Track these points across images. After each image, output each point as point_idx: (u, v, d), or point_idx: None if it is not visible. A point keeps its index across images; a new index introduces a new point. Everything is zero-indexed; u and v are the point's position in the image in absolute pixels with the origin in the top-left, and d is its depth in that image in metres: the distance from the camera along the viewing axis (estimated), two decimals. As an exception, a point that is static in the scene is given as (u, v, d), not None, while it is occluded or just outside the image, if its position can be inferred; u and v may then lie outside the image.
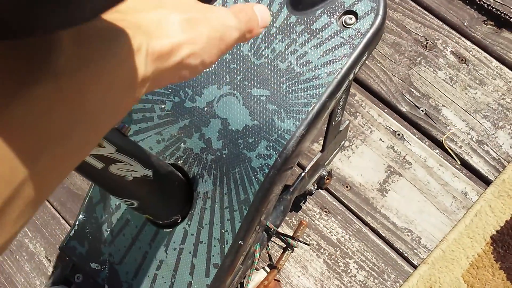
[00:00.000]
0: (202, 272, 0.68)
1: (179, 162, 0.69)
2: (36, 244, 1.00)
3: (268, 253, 0.85)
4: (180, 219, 0.68)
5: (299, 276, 0.90)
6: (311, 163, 0.80)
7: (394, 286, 0.87)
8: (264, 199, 0.63)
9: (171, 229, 0.70)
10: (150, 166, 0.55)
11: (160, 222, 0.68)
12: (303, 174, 0.80)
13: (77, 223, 0.77)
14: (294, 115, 0.63)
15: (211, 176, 0.66)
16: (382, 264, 0.89)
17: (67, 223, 1.00)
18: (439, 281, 0.85)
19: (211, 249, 0.67)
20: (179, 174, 0.67)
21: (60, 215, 1.00)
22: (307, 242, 0.88)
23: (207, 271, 0.67)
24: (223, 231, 0.66)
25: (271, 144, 0.63)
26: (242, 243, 0.65)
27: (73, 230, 0.77)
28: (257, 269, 0.83)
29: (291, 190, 0.79)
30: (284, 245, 0.85)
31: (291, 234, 0.87)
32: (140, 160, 0.52)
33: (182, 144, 0.69)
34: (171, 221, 0.67)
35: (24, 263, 0.98)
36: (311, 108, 0.63)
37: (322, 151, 0.80)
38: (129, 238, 0.73)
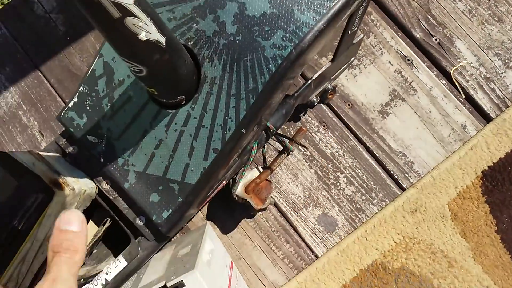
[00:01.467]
0: (201, 156, 0.68)
1: (189, 43, 0.67)
2: (30, 118, 0.99)
3: (263, 155, 0.86)
4: (184, 101, 0.67)
5: (289, 183, 0.92)
6: (319, 72, 0.79)
7: (380, 204, 0.90)
8: (273, 91, 0.62)
9: (174, 111, 0.69)
10: (164, 33, 0.53)
11: (164, 101, 0.67)
12: (309, 81, 0.78)
13: (76, 94, 0.76)
14: (315, 8, 0.61)
15: (221, 61, 0.65)
16: (372, 183, 0.90)
17: (63, 101, 0.98)
18: (424, 206, 0.88)
19: (213, 134, 0.67)
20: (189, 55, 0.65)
21: (57, 93, 0.99)
22: (306, 146, 0.89)
23: (206, 155, 0.68)
24: (226, 118, 0.65)
25: (287, 35, 0.61)
26: (244, 132, 0.65)
27: (72, 101, 0.76)
28: (250, 168, 0.84)
29: (295, 95, 0.79)
30: (280, 149, 0.85)
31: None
32: (155, 22, 0.50)
33: (194, 25, 0.67)
34: (175, 102, 0.67)
35: (16, 134, 0.98)
36: (334, 3, 0.60)
37: (332, 61, 0.79)
38: (130, 115, 0.72)
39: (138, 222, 0.77)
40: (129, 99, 0.72)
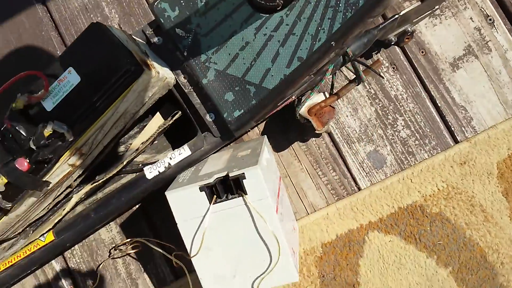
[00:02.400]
0: (284, 62, 0.72)
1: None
2: (111, 10, 1.03)
3: (332, 81, 0.89)
4: (280, 7, 0.70)
5: (347, 115, 0.95)
6: (408, 9, 0.80)
7: (431, 151, 0.93)
8: (372, 8, 0.64)
9: (267, 15, 0.72)
10: None
11: (262, 2, 0.69)
12: (396, 16, 0.80)
13: (173, -14, 0.78)
14: None
15: (326, -28, 0.67)
16: (428, 130, 0.93)
17: (147, 2, 1.02)
18: (474, 160, 0.91)
19: (301, 43, 0.70)
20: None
21: (142, -11, 1.02)
22: (381, 74, 0.91)
23: (289, 62, 0.71)
24: (319, 28, 0.68)
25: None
26: (333, 45, 0.68)
27: (168, -8, 0.79)
28: (317, 92, 0.87)
29: (380, 26, 0.80)
30: (351, 79, 0.88)
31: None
32: None
33: None
34: (272, 5, 0.69)
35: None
36: None
37: (422, 1, 0.80)
38: (222, 14, 0.76)
39: (208, 118, 0.81)
40: (225, -3, 0.75)
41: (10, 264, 0.80)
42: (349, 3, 0.65)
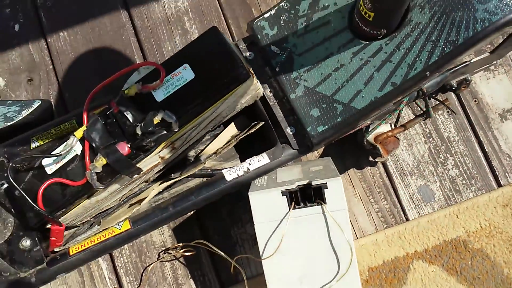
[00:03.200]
0: (377, 86, 0.79)
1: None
2: (192, 25, 1.10)
3: (399, 114, 0.96)
4: (382, 36, 0.78)
5: (402, 150, 1.03)
6: (478, 58, 0.90)
7: (476, 192, 1.00)
8: (468, 48, 0.73)
9: (366, 42, 0.80)
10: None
11: (367, 29, 0.77)
12: (468, 62, 0.90)
13: (275, 8, 0.87)
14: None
15: (431, 10, 0.76)
16: (475, 172, 1.01)
17: (226, 21, 1.10)
18: (517, 203, 0.98)
19: (397, 70, 0.78)
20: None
21: (222, 12, 1.10)
22: (454, 111, 0.99)
23: (382, 86, 0.79)
24: (416, 59, 0.76)
25: (501, 5, 0.71)
26: (428, 75, 0.76)
27: (269, 13, 0.87)
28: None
29: (453, 69, 0.90)
30: (418, 113, 0.96)
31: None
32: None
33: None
34: (375, 34, 0.78)
35: (176, 35, 1.09)
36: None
37: (491, 52, 0.90)
38: (321, 37, 0.84)
39: (289, 131, 0.87)
40: (326, 23, 0.83)
41: (83, 248, 0.81)
42: (448, 40, 0.74)
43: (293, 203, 0.79)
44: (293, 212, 0.79)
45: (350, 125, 0.83)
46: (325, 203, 0.78)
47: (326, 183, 0.78)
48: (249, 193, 0.80)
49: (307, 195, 0.80)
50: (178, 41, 1.09)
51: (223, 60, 0.76)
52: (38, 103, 0.97)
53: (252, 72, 0.80)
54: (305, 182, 0.79)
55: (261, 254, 0.80)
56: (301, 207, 0.79)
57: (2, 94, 1.11)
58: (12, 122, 0.91)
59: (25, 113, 0.94)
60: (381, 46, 0.79)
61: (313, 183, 0.78)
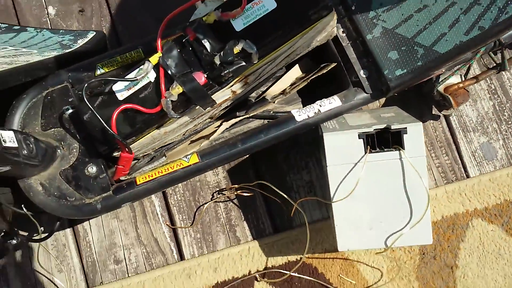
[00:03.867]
0: (463, 30, 0.76)
1: None
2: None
3: (469, 66, 0.93)
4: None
5: (466, 105, 1.00)
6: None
7: (542, 151, 0.98)
8: None
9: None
10: None
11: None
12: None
13: None
14: None
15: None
16: (541, 131, 0.98)
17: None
18: None
19: (486, 13, 0.74)
20: None
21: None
22: None
23: (469, 30, 0.75)
24: (509, 2, 0.72)
25: None
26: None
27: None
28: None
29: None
30: (493, 65, 0.93)
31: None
32: None
33: None
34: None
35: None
36: None
37: None
38: (406, -25, 0.80)
39: (362, 74, 0.85)
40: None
41: (151, 178, 0.80)
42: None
43: (369, 147, 0.78)
44: (368, 157, 0.78)
45: (431, 70, 0.80)
46: (403, 149, 0.76)
47: (406, 127, 0.76)
48: (324, 133, 0.78)
49: (384, 140, 0.78)
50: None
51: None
52: (93, 34, 0.95)
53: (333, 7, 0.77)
54: (383, 126, 0.77)
55: (332, 196, 0.79)
56: (378, 151, 0.78)
57: (52, 23, 1.08)
58: (70, 50, 0.89)
59: (81, 42, 0.92)
60: (471, -15, 0.75)
61: (392, 127, 0.76)
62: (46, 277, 0.97)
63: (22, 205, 0.83)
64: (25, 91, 0.84)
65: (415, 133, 0.76)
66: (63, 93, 0.84)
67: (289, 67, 0.90)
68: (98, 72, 0.85)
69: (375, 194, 0.78)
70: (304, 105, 0.92)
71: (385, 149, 0.77)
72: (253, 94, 0.93)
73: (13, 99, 0.83)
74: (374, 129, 0.77)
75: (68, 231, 0.99)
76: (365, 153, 0.77)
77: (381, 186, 0.78)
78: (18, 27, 0.94)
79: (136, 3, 1.08)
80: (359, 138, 0.77)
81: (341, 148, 0.78)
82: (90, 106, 0.73)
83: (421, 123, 0.76)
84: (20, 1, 1.09)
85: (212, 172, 1.00)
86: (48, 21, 1.09)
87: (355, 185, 0.77)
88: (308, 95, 0.93)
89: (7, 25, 0.93)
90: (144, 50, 0.85)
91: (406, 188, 0.77)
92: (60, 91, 0.84)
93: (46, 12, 1.09)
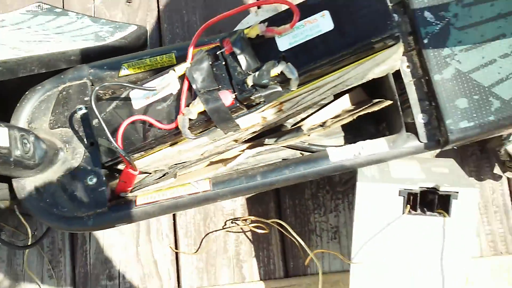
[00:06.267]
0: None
1: None
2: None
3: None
4: None
5: (537, 169, 0.85)
6: None
7: None
8: None
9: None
10: None
11: None
12: None
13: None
14: None
15: None
16: None
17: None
18: None
19: None
20: None
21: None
22: None
23: None
24: None
25: None
26: None
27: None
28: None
29: None
30: None
31: None
32: None
33: None
34: None
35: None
36: None
37: None
38: (495, 11, 0.66)
39: (420, 118, 0.71)
40: (507, -4, 0.65)
41: (153, 200, 0.70)
42: None
43: (409, 206, 0.65)
44: (406, 218, 0.65)
45: (503, 128, 0.66)
46: (449, 216, 0.64)
47: (457, 192, 0.63)
48: (358, 182, 0.66)
49: (427, 201, 0.65)
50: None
51: (373, 15, 0.60)
52: (134, 28, 0.86)
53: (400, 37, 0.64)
54: (430, 185, 0.65)
55: (352, 255, 0.67)
56: (418, 214, 0.65)
57: (97, 11, 1.00)
58: (103, 43, 0.80)
59: (118, 36, 0.83)
60: None
61: (441, 188, 0.63)
62: (36, 282, 0.89)
63: (15, 206, 0.75)
64: (41, 82, 0.75)
65: (467, 200, 0.63)
66: (81, 91, 0.75)
67: (337, 95, 0.78)
68: (122, 72, 0.75)
69: (404, 263, 0.66)
70: (345, 142, 0.79)
71: (427, 213, 0.64)
72: (290, 120, 0.81)
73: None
74: (420, 187, 0.64)
75: (66, 236, 0.90)
76: (403, 213, 0.65)
77: (413, 254, 0.66)
78: (60, 10, 0.88)
79: (187, 1, 0.98)
80: (399, 195, 0.65)
81: (376, 202, 0.66)
82: (97, 114, 0.63)
83: (477, 189, 0.63)
84: (69, -16, 1.02)
85: (230, 197, 0.89)
86: (93, 8, 1.02)
87: (382, 248, 0.64)
88: (353, 131, 0.80)
89: (49, 6, 0.87)
90: (177, 56, 0.75)
91: (443, 262, 0.65)
92: (77, 87, 0.75)
93: (93, -2, 1.01)
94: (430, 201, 0.66)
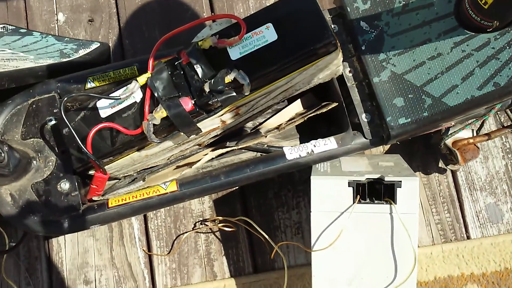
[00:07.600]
0: (476, 84, 0.70)
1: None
2: (269, -10, 1.02)
3: (483, 121, 0.87)
4: (492, 30, 0.69)
5: (476, 161, 0.93)
6: None
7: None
8: None
9: (472, 33, 0.71)
10: None
11: (478, 19, 0.68)
12: None
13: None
14: None
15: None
16: (554, 199, 0.91)
17: None
18: None
19: (503, 69, 0.68)
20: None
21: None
22: None
23: (482, 85, 0.70)
24: (531, 60, 0.66)
25: None
26: (542, 80, 0.66)
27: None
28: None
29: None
30: (510, 123, 0.86)
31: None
32: None
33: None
34: (486, 26, 0.68)
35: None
36: None
37: None
38: (420, 19, 0.75)
39: (364, 117, 0.79)
40: (429, 5, 0.74)
41: (124, 202, 0.75)
42: None
43: (359, 196, 0.72)
44: (357, 207, 0.72)
45: (437, 122, 0.74)
46: (395, 203, 0.70)
47: (400, 181, 0.70)
48: (311, 177, 0.73)
49: (375, 191, 0.72)
50: (252, 4, 1.02)
51: (311, 26, 0.68)
52: (97, 45, 0.91)
53: (339, 44, 0.72)
54: (376, 176, 0.72)
55: (312, 245, 0.73)
56: (367, 203, 0.72)
57: (60, 30, 1.06)
58: (67, 59, 0.86)
59: (82, 52, 0.89)
60: (489, 40, 0.70)
61: (386, 178, 0.70)
62: (14, 288, 0.92)
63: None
64: (11, 97, 0.81)
65: (410, 188, 0.70)
66: (49, 103, 0.80)
67: (291, 100, 0.85)
68: (89, 85, 0.81)
69: (359, 248, 0.72)
70: (301, 142, 0.86)
71: (376, 201, 0.71)
72: (249, 124, 0.88)
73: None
74: (366, 179, 0.71)
75: (42, 244, 0.94)
76: (353, 202, 0.71)
77: (367, 240, 0.72)
78: (25, 30, 0.92)
79: (146, 18, 1.04)
80: (348, 186, 0.71)
81: (329, 194, 0.72)
82: (67, 122, 0.69)
83: (418, 178, 0.70)
84: (32, 5, 1.07)
85: (198, 200, 0.95)
86: (56, 28, 1.06)
87: (337, 235, 0.71)
88: (308, 132, 0.88)
89: (14, 27, 0.91)
90: (139, 68, 0.81)
91: (394, 245, 0.71)
92: (46, 100, 0.80)
93: (56, 18, 1.06)
94: (378, 191, 0.72)
